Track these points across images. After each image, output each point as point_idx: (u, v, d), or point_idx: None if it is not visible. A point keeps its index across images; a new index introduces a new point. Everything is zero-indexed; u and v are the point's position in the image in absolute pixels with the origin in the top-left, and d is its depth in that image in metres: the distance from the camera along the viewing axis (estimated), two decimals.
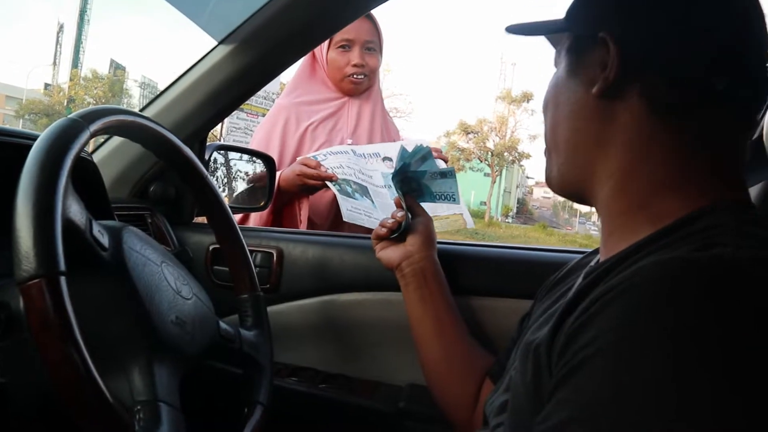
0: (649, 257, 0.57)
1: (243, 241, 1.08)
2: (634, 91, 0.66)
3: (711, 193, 0.64)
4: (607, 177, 0.70)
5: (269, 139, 1.92)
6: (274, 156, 1.81)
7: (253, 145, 1.94)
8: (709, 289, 0.49)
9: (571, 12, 0.76)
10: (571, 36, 0.75)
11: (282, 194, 1.79)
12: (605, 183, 0.70)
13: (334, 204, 1.81)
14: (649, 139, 0.66)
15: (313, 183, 1.70)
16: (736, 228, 0.57)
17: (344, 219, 1.60)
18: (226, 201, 1.08)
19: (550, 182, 0.79)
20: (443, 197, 1.18)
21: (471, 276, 1.21)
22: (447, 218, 1.68)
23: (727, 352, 0.46)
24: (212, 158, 1.51)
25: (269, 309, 1.11)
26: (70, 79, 48.37)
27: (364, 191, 1.71)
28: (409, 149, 1.16)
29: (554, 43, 0.80)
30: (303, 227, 1.79)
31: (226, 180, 1.67)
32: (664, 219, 0.63)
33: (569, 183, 0.76)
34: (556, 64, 0.78)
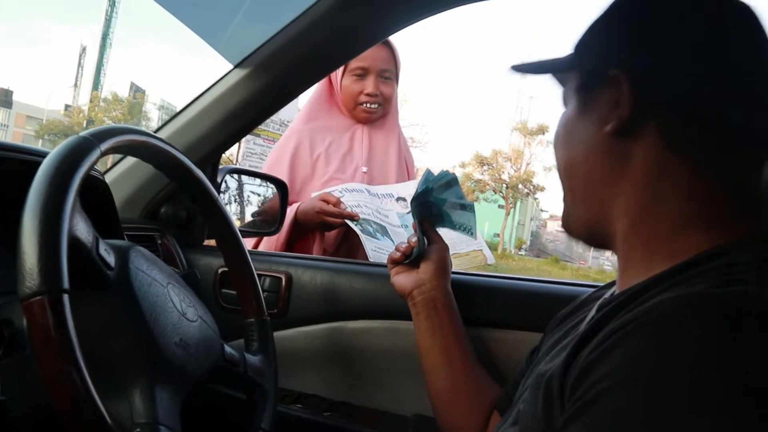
0: (667, 292, 0.56)
1: (252, 264, 1.08)
2: (649, 128, 0.65)
3: (733, 229, 0.62)
4: (621, 214, 0.68)
5: (280, 163, 1.89)
6: (285, 181, 1.79)
7: (265, 169, 1.92)
8: (728, 327, 0.48)
9: (578, 49, 0.74)
10: (579, 73, 0.73)
11: (298, 228, 1.77)
12: (620, 220, 0.68)
13: (343, 233, 1.80)
14: (666, 176, 0.65)
15: (332, 221, 1.68)
16: (758, 265, 0.56)
17: (369, 259, 1.57)
18: (236, 224, 1.08)
19: (570, 227, 0.77)
20: (461, 228, 1.16)
21: (482, 307, 1.20)
22: (467, 255, 1.66)
23: (747, 392, 0.45)
24: (224, 181, 1.51)
25: (276, 334, 1.10)
26: (91, 101, 49.22)
27: (384, 231, 1.70)
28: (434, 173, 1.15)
29: (562, 82, 0.79)
30: None
31: (237, 204, 1.66)
32: (683, 254, 0.62)
33: (589, 224, 0.74)
34: (565, 102, 0.77)
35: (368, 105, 1.92)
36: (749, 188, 0.65)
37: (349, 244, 1.83)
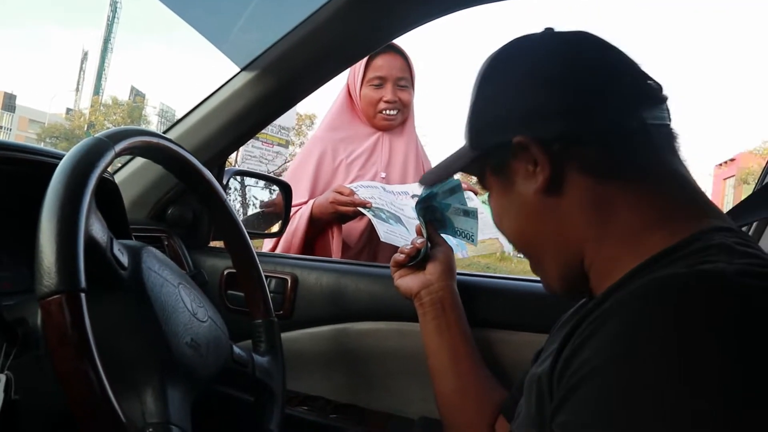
0: (640, 280, 0.59)
1: (259, 266, 1.08)
2: (573, 172, 0.69)
3: (689, 224, 0.65)
4: (584, 248, 0.71)
5: (303, 170, 1.96)
6: (307, 187, 1.87)
7: (289, 173, 2.00)
8: (703, 300, 0.50)
9: (473, 138, 0.79)
10: (486, 156, 0.77)
11: (315, 222, 1.82)
12: (586, 252, 0.71)
13: (368, 230, 1.84)
14: (605, 201, 0.68)
15: (345, 210, 1.73)
16: (727, 247, 0.58)
17: (381, 239, 1.62)
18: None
19: (551, 287, 0.79)
20: (462, 234, 1.16)
21: (488, 308, 1.20)
22: (483, 242, 1.67)
23: (731, 361, 0.47)
24: (229, 183, 1.52)
25: (281, 336, 1.10)
26: (91, 105, 49.29)
27: (397, 219, 1.73)
28: None
29: (474, 172, 0.83)
30: (336, 256, 1.81)
31: (241, 205, 1.67)
32: (653, 250, 0.64)
33: (564, 275, 0.76)
34: (487, 187, 0.81)
35: (387, 112, 1.99)
36: (686, 183, 0.69)
37: (372, 246, 1.89)
